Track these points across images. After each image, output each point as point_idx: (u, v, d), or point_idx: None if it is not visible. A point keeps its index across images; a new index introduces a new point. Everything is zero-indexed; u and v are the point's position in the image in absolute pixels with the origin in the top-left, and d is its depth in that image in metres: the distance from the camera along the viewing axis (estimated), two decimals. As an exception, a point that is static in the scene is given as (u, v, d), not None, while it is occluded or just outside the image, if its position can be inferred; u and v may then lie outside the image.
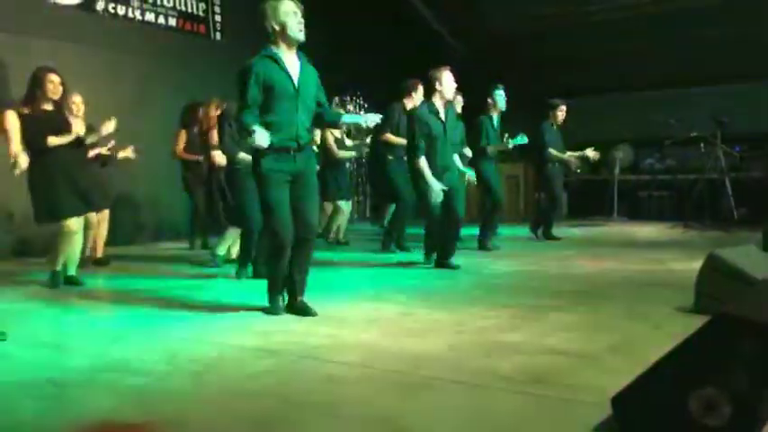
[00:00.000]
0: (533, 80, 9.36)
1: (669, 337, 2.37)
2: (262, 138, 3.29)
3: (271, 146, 3.36)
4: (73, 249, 4.72)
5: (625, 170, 10.88)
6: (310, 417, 2.05)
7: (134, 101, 7.60)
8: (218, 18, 9.06)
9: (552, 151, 7.42)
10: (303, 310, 3.55)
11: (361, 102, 11.96)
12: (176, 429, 1.98)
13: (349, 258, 6.21)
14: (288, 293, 3.64)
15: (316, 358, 2.72)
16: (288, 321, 3.45)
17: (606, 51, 10.15)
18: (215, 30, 9.04)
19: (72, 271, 4.79)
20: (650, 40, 9.90)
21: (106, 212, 5.82)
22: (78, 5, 7.32)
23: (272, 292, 3.62)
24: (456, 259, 5.31)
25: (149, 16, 8.12)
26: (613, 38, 10.11)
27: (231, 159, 5.02)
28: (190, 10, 8.68)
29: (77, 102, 5.45)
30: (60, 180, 4.50)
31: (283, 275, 3.59)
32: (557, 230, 7.74)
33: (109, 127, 4.87)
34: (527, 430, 1.95)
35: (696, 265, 3.65)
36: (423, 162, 5.02)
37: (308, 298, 3.65)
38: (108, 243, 6.08)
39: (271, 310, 3.59)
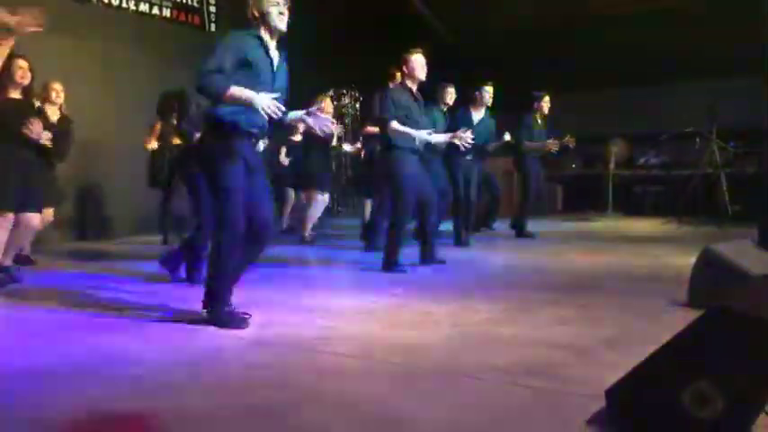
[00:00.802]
0: (527, 75, 9.35)
1: (663, 331, 2.38)
2: (266, 101, 2.99)
3: (236, 126, 3.14)
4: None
5: (620, 165, 10.91)
6: (307, 407, 2.06)
7: (126, 93, 7.56)
8: (212, 9, 9.02)
9: (526, 143, 7.32)
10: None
11: (357, 94, 11.95)
12: (174, 420, 1.98)
13: (343, 253, 6.21)
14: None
15: (312, 350, 2.73)
16: (284, 314, 3.45)
17: (602, 46, 10.15)
18: (209, 21, 9.00)
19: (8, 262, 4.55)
20: (645, 34, 9.90)
21: (50, 214, 5.43)
22: (71, -5, 7.26)
23: (219, 305, 3.19)
24: (450, 253, 5.31)
25: (143, 7, 8.07)
26: (609, 32, 10.11)
27: (187, 143, 4.68)
28: (184, 1, 8.63)
29: (57, 89, 5.32)
30: (13, 172, 4.29)
31: (231, 281, 3.26)
32: (550, 225, 7.74)
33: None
34: (522, 422, 1.97)
35: (690, 259, 3.68)
36: (395, 124, 4.81)
37: (303, 292, 3.64)
38: (90, 237, 5.82)
39: (232, 325, 3.11)
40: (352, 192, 10.97)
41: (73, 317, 3.45)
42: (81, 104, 5.68)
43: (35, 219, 4.53)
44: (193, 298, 3.41)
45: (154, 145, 6.36)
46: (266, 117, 3.05)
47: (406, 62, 4.99)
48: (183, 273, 4.49)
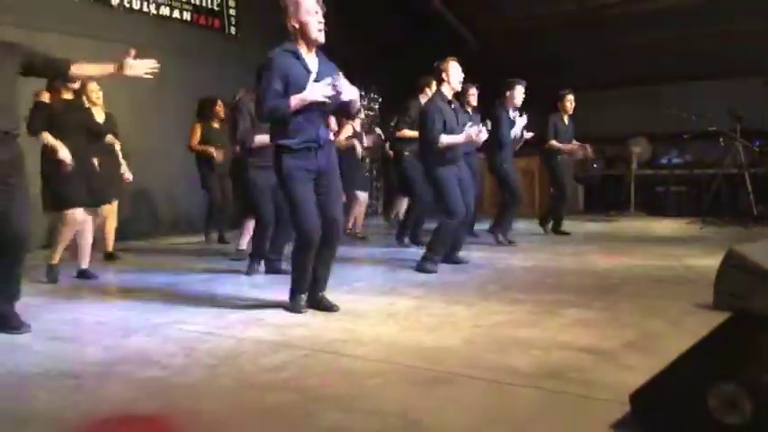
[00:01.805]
0: (549, 75, 9.29)
1: (687, 334, 2.34)
2: (317, 88, 3.29)
3: (289, 150, 3.37)
4: (83, 242, 4.76)
5: (642, 165, 10.78)
6: (325, 410, 2.05)
7: (149, 95, 7.64)
8: (232, 12, 9.08)
9: (554, 143, 7.33)
10: (324, 306, 3.55)
11: (376, 96, 11.97)
12: (192, 421, 1.98)
13: (364, 253, 6.22)
14: (309, 288, 3.60)
15: (331, 352, 2.72)
16: (303, 315, 3.45)
17: (623, 45, 10.05)
18: (229, 24, 9.06)
19: (84, 265, 4.81)
20: (668, 33, 9.79)
21: (115, 206, 5.79)
22: (94, 0, 7.35)
23: (295, 291, 3.56)
24: (471, 254, 5.28)
25: (164, 11, 8.15)
26: (630, 31, 10.01)
27: (243, 146, 4.91)
28: (204, 4, 8.70)
29: (94, 89, 5.51)
30: (73, 170, 4.47)
31: (308, 274, 3.54)
32: (571, 225, 7.69)
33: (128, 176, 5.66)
34: (543, 426, 1.94)
35: (715, 261, 3.61)
36: (444, 138, 4.90)
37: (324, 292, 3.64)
38: (123, 237, 6.10)
39: (292, 308, 3.54)
40: (379, 192, 11.11)
41: (97, 317, 3.49)
42: (106, 107, 5.77)
43: (105, 211, 5.09)
44: (225, 298, 3.42)
45: (198, 147, 6.65)
46: (316, 133, 3.40)
47: (444, 70, 5.01)
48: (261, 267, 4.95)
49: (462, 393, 2.21)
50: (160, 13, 8.09)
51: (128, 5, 7.71)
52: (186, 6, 8.43)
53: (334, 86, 3.28)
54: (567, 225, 7.68)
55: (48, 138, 4.40)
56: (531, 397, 2.15)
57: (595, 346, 2.74)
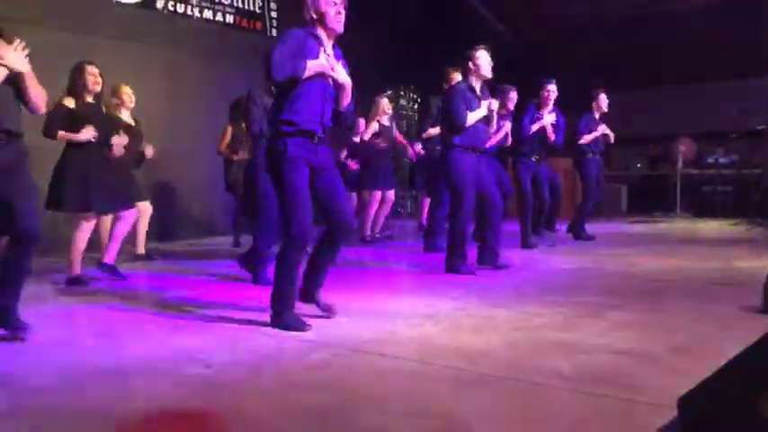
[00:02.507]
0: (594, 73, 9.15)
1: (735, 338, 2.28)
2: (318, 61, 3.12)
3: (294, 125, 3.16)
4: (109, 239, 4.85)
5: (688, 164, 10.54)
6: (364, 410, 2.05)
7: (192, 97, 7.79)
8: (273, 14, 9.19)
9: (585, 138, 7.11)
10: (324, 307, 3.40)
11: (413, 95, 11.95)
12: (234, 418, 2.01)
13: (399, 254, 6.21)
14: (310, 288, 3.40)
15: (370, 352, 2.73)
16: (342, 316, 3.45)
17: (668, 42, 9.84)
18: (271, 26, 9.17)
19: (110, 260, 4.83)
20: (714, 30, 9.54)
21: (147, 207, 5.82)
22: (139, 4, 7.53)
23: (284, 309, 3.20)
24: (511, 256, 5.21)
25: (207, 14, 8.29)
26: (675, 28, 9.79)
27: (257, 140, 4.58)
28: (247, 7, 8.82)
29: (129, 92, 5.53)
30: (91, 174, 4.51)
31: (295, 284, 3.26)
32: (613, 227, 7.54)
33: (149, 152, 5.55)
34: (585, 431, 1.91)
35: (763, 263, 3.52)
36: (470, 116, 4.78)
37: (361, 294, 3.64)
38: (157, 238, 6.13)
39: (291, 326, 3.14)
40: (410, 192, 11.05)
41: (143, 316, 3.57)
42: (147, 108, 5.88)
43: (132, 214, 5.00)
44: (259, 298, 3.45)
45: (226, 150, 6.64)
46: (321, 117, 3.21)
47: (472, 58, 4.93)
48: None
49: (503, 396, 2.19)
50: (203, 16, 8.24)
51: (172, 9, 7.87)
52: (228, 9, 8.57)
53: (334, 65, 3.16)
54: (608, 226, 7.54)
55: (64, 135, 4.45)
56: (573, 401, 2.12)
57: (640, 349, 2.68)
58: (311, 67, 3.12)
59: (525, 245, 6.32)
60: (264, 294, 3.34)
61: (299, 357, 2.68)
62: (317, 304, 3.42)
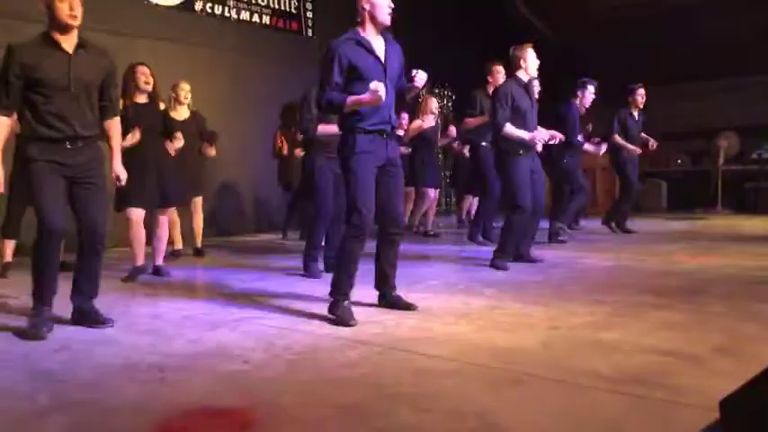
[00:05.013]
0: (634, 68, 8.99)
1: (783, 339, 2.22)
2: (373, 93, 3.17)
3: (363, 130, 3.31)
4: (159, 240, 4.93)
5: (730, 160, 10.27)
6: (400, 408, 2.05)
7: (230, 97, 7.90)
8: (309, 15, 9.26)
9: (618, 139, 7.11)
10: (402, 305, 3.51)
11: (449, 93, 11.90)
12: (273, 415, 2.03)
13: (437, 251, 6.20)
14: (384, 287, 3.59)
15: (406, 350, 2.73)
16: (377, 313, 3.47)
17: (710, 36, 9.61)
18: (307, 26, 9.25)
19: (159, 261, 4.94)
20: (756, 23, 9.29)
21: (199, 203, 6.03)
22: (179, 6, 7.67)
23: (338, 296, 3.34)
24: (548, 253, 5.17)
25: (244, 15, 8.41)
26: (717, 22, 9.56)
27: (308, 140, 4.77)
28: (282, 7, 8.91)
29: (186, 89, 5.75)
30: (149, 171, 4.63)
31: (353, 274, 3.38)
32: (654, 224, 7.41)
33: (211, 152, 5.92)
34: (626, 432, 1.88)
35: (812, 261, 3.40)
36: (509, 128, 4.83)
37: (397, 291, 3.65)
38: (206, 234, 6.33)
39: (339, 320, 3.24)
40: (451, 189, 11.09)
41: (180, 312, 3.63)
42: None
43: (173, 214, 5.16)
44: (303, 293, 3.48)
45: (284, 152, 6.93)
46: (388, 114, 3.34)
47: (522, 57, 4.94)
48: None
49: (540, 396, 2.16)
50: (241, 17, 8.36)
51: (210, 11, 7.99)
52: (265, 10, 8.68)
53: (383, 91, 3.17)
54: (648, 223, 7.43)
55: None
56: (612, 402, 2.08)
57: (681, 349, 2.63)
58: (351, 103, 3.25)
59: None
60: (313, 287, 3.40)
61: (336, 354, 2.69)
62: (391, 301, 3.56)
